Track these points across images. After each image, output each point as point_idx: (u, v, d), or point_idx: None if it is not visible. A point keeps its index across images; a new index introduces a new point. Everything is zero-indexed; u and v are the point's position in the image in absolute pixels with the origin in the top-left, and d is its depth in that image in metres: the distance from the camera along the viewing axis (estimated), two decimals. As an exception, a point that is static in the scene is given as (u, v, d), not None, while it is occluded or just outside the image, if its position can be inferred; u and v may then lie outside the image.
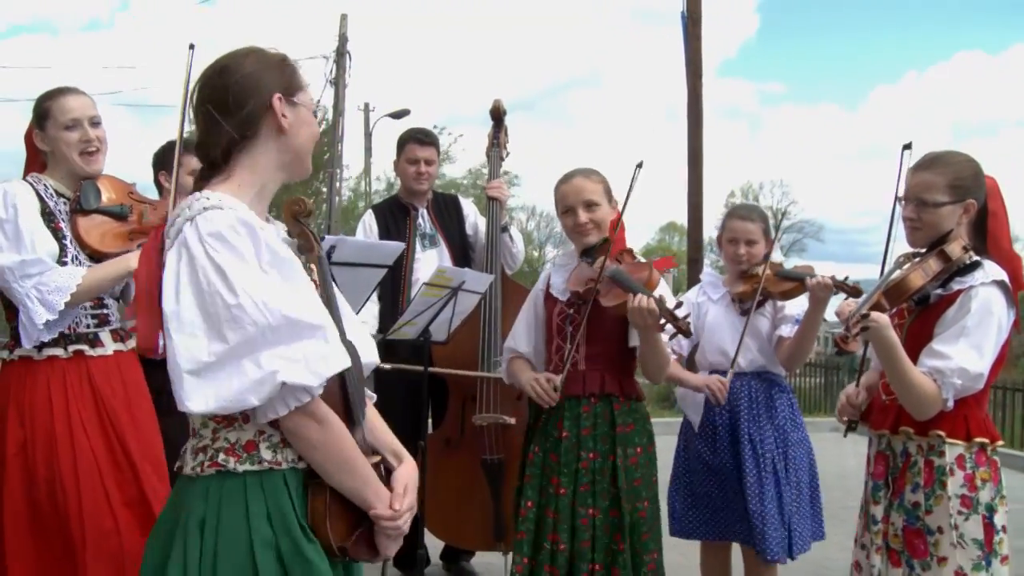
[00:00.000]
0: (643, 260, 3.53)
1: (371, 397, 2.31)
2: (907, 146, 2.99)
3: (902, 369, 2.79)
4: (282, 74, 2.09)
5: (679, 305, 3.20)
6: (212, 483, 1.95)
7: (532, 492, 3.37)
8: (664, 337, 3.33)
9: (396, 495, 2.09)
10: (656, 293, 3.23)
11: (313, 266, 2.11)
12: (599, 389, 3.38)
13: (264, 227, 1.97)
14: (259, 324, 1.82)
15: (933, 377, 2.79)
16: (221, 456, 1.95)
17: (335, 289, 2.20)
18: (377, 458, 2.13)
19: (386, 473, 2.17)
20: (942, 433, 2.85)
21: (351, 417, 2.06)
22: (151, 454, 3.30)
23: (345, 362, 1.95)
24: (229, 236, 1.88)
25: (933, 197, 2.91)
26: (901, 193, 3.01)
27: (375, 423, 2.23)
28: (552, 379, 3.36)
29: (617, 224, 3.54)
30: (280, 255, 1.94)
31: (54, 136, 3.29)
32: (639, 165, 3.46)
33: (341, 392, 2.05)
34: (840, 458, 3.71)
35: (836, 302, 3.76)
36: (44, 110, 3.30)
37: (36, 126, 3.32)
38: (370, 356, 2.22)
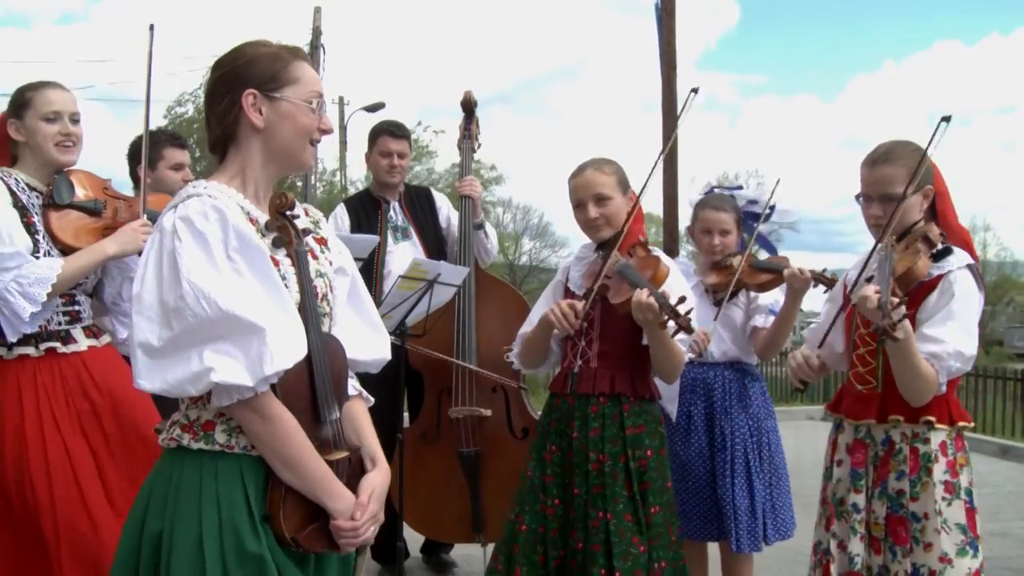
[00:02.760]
0: (655, 253, 3.43)
1: (366, 398, 2.37)
2: (946, 118, 2.88)
3: (916, 358, 2.76)
4: (264, 68, 2.11)
5: (682, 300, 3.04)
6: (174, 457, 2.04)
7: (557, 490, 3.31)
8: (683, 335, 3.14)
9: (359, 504, 2.10)
10: (666, 287, 3.15)
11: (291, 259, 2.11)
12: (609, 388, 3.30)
13: (239, 216, 2.01)
14: (199, 316, 1.88)
15: (930, 362, 2.79)
16: (177, 431, 2.04)
17: (343, 284, 2.29)
18: (343, 454, 2.13)
19: (361, 469, 2.20)
20: (932, 419, 2.87)
21: (317, 414, 2.08)
22: (140, 445, 3.25)
23: (289, 360, 1.95)
24: (198, 222, 1.94)
25: (898, 190, 2.90)
26: (863, 191, 3.02)
27: (360, 422, 2.29)
28: (574, 304, 3.24)
29: (629, 216, 3.41)
30: (250, 242, 1.97)
31: (32, 127, 3.27)
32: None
33: (309, 386, 2.07)
34: (816, 445, 3.73)
35: (812, 294, 3.77)
36: (25, 100, 3.28)
37: (12, 115, 3.29)
38: (371, 353, 2.32)
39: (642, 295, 3.05)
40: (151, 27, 3.31)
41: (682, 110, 3.52)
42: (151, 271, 1.95)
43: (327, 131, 2.19)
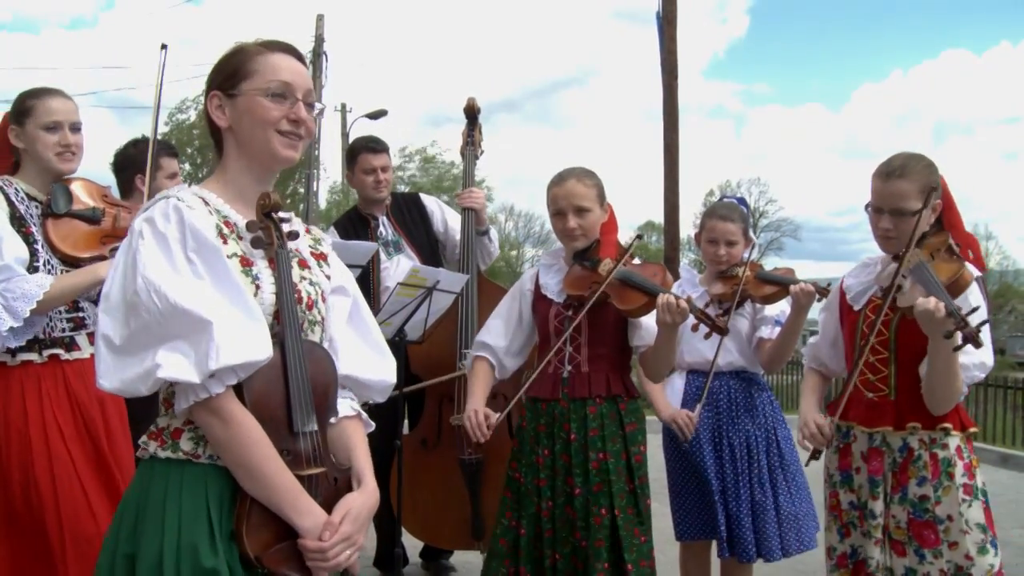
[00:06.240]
0: (639, 261, 3.51)
1: (365, 420, 2.28)
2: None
3: (957, 366, 2.84)
4: (225, 67, 2.11)
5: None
6: (145, 469, 2.00)
7: (550, 492, 3.36)
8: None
9: (329, 523, 1.97)
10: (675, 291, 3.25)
11: (270, 261, 2.06)
12: (606, 391, 3.38)
13: (199, 216, 1.97)
14: (151, 311, 1.84)
15: None
16: (144, 439, 2.01)
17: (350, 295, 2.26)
18: (319, 469, 2.02)
19: (349, 490, 2.09)
20: (949, 426, 2.96)
21: (290, 424, 1.99)
22: (122, 459, 3.28)
23: (239, 357, 1.87)
24: (159, 222, 1.93)
25: (910, 206, 2.97)
26: (873, 203, 3.06)
27: (353, 441, 2.18)
28: (488, 414, 3.36)
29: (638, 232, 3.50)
30: (205, 242, 1.94)
31: (32, 135, 3.27)
32: (639, 236, 3.50)
33: (284, 393, 1.99)
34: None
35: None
36: (26, 107, 3.28)
37: (14, 121, 3.29)
38: (374, 374, 2.25)
39: (670, 298, 3.16)
40: (163, 46, 3.32)
41: (627, 250, 3.49)
42: (119, 270, 1.95)
43: (297, 120, 2.10)
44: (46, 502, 3.07)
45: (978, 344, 2.63)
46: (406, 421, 5.07)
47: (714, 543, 4.02)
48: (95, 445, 3.21)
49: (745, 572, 4.04)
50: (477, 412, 3.38)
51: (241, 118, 2.08)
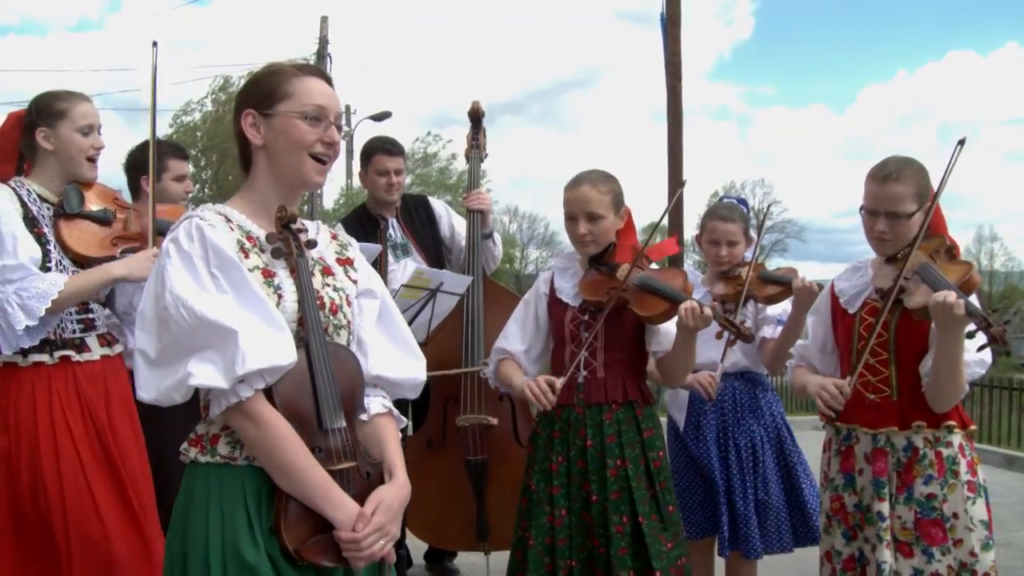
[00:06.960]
0: (656, 266, 3.49)
1: (397, 416, 2.34)
2: (961, 141, 2.98)
3: (962, 362, 2.87)
4: (261, 87, 2.18)
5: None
6: (188, 473, 2.12)
7: (564, 500, 3.31)
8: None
9: (362, 515, 2.06)
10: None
11: (291, 269, 2.15)
12: (623, 397, 3.34)
13: (220, 233, 2.07)
14: (181, 325, 1.96)
15: None
16: (185, 445, 2.13)
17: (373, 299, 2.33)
18: (350, 464, 2.12)
19: (381, 484, 2.18)
20: (953, 423, 2.99)
21: (320, 422, 2.09)
22: (130, 461, 3.29)
23: (264, 362, 1.97)
24: (183, 242, 2.04)
25: (906, 209, 2.99)
26: (868, 206, 3.07)
27: (385, 436, 2.27)
28: (552, 380, 3.27)
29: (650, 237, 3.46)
30: (225, 257, 2.04)
31: (67, 137, 3.28)
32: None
33: (312, 394, 2.09)
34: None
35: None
36: (60, 110, 3.29)
37: (44, 124, 3.28)
38: (403, 372, 2.33)
39: (694, 305, 3.15)
40: (154, 44, 3.34)
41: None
42: (150, 289, 2.07)
43: (330, 143, 2.19)
44: (53, 503, 3.08)
45: (1004, 343, 2.65)
46: (411, 422, 5.07)
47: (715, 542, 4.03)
48: (104, 446, 3.22)
49: (749, 570, 4.04)
50: (539, 380, 3.29)
51: (277, 138, 2.16)
